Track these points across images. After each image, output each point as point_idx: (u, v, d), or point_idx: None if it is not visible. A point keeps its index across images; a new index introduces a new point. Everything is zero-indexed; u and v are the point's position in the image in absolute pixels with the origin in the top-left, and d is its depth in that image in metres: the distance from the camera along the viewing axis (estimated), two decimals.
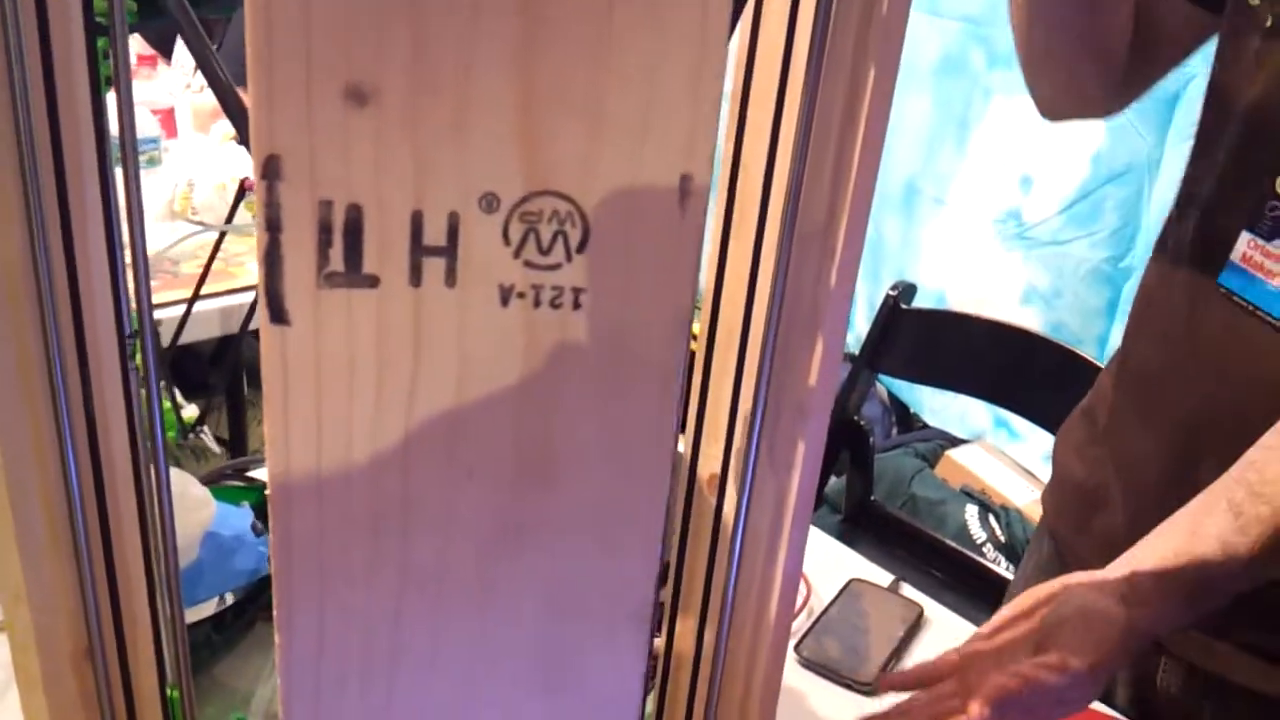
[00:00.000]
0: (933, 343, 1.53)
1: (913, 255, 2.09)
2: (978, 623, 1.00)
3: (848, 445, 1.61)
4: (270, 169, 0.26)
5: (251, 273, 1.52)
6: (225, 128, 1.85)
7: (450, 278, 0.29)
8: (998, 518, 1.73)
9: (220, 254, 1.37)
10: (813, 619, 0.96)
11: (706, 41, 0.27)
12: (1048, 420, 1.38)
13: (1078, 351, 1.39)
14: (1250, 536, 0.65)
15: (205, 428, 0.84)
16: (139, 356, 0.46)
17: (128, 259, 0.41)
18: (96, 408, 0.51)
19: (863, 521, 1.62)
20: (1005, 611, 0.71)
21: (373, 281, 0.28)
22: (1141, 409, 0.83)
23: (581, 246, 0.29)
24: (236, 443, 1.53)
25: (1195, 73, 1.04)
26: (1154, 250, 0.86)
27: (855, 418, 1.58)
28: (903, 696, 0.71)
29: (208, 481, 0.87)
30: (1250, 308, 0.73)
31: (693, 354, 0.73)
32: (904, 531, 1.57)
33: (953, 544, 1.55)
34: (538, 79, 0.27)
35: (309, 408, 0.30)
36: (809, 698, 0.88)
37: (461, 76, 0.27)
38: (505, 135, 0.28)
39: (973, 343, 1.49)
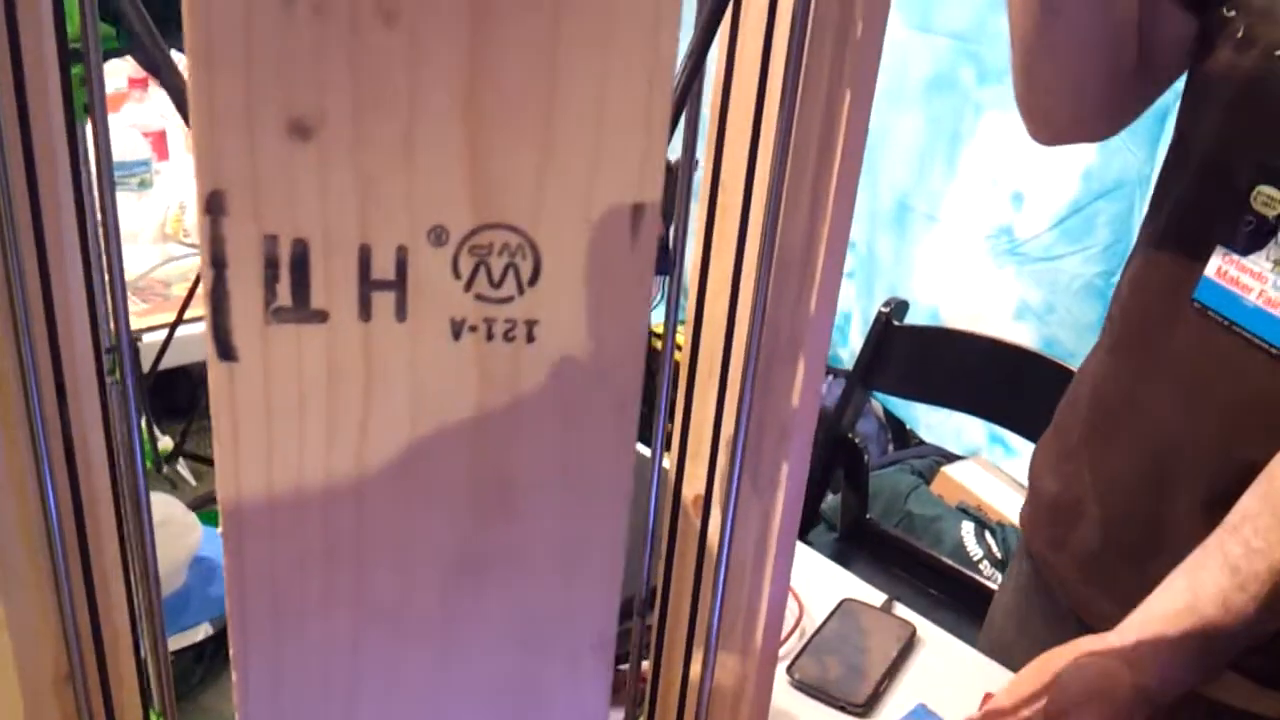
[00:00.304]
0: (925, 359, 1.52)
1: (906, 272, 2.09)
2: (971, 642, 0.99)
3: (842, 463, 1.60)
4: (213, 204, 0.26)
5: None
6: None
7: (400, 311, 0.29)
8: (994, 534, 1.73)
9: None
10: (805, 640, 0.95)
11: (656, 72, 0.27)
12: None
13: (1070, 367, 1.38)
14: (1249, 593, 0.65)
15: (181, 460, 0.83)
16: (118, 373, 0.45)
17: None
18: (75, 429, 0.50)
19: (858, 539, 1.61)
20: (1021, 677, 0.71)
21: (321, 316, 0.28)
22: (1114, 426, 0.83)
23: (533, 278, 0.29)
24: None
25: None
26: (1125, 265, 0.86)
27: (849, 435, 1.58)
28: None
29: (196, 506, 0.86)
30: (1226, 323, 0.72)
31: (676, 374, 0.73)
32: (899, 549, 1.57)
33: (948, 561, 1.54)
34: (484, 111, 0.27)
35: (259, 444, 0.30)
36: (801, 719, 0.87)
37: (406, 109, 0.27)
38: (452, 168, 0.27)
39: (965, 359, 1.49)
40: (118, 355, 0.44)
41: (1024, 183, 1.88)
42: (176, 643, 0.78)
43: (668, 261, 0.68)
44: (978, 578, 1.54)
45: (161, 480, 0.83)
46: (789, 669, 0.92)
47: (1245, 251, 0.72)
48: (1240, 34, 0.71)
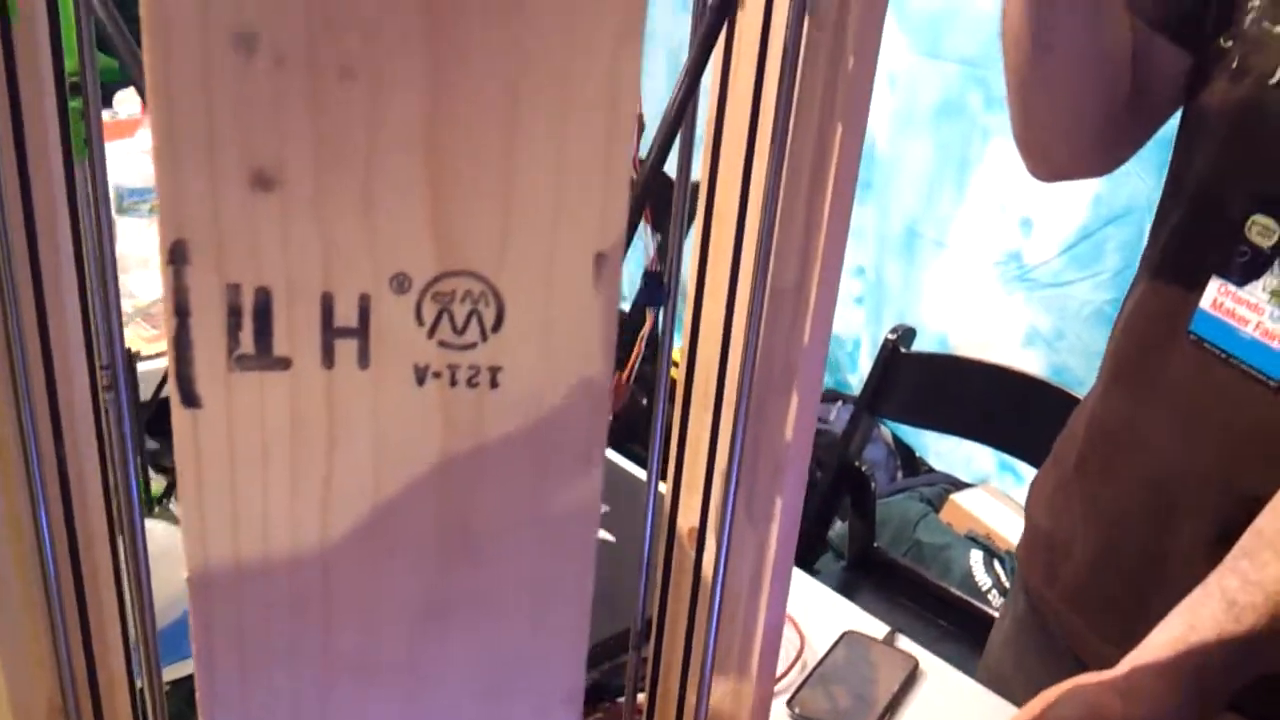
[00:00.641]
0: (933, 386, 1.52)
1: (915, 298, 2.08)
2: (974, 675, 0.98)
3: (849, 491, 1.59)
4: (176, 254, 0.26)
5: None
6: None
7: (363, 359, 0.29)
8: (1002, 563, 1.71)
9: None
10: (806, 672, 0.95)
11: (616, 119, 0.27)
12: None
13: (1078, 395, 1.37)
14: (1245, 625, 0.64)
15: (174, 499, 0.84)
16: (114, 399, 0.45)
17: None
18: (70, 464, 0.51)
19: (866, 568, 1.60)
20: (1017, 716, 0.71)
21: (284, 364, 0.28)
22: (1112, 459, 0.83)
23: (497, 325, 0.29)
24: None
25: None
26: (1126, 297, 0.86)
27: (856, 463, 1.57)
28: None
29: None
30: (1223, 355, 0.72)
31: (673, 406, 0.73)
32: (907, 578, 1.56)
33: (956, 591, 1.53)
34: (444, 161, 0.27)
35: (224, 491, 0.30)
36: None
37: (367, 159, 0.27)
38: (414, 216, 0.27)
39: (973, 386, 1.48)
40: (115, 388, 0.44)
41: (1033, 208, 1.88)
42: (178, 671, 0.77)
43: (662, 293, 0.68)
44: (985, 608, 1.52)
45: (164, 511, 0.84)
46: (790, 702, 0.91)
47: (1241, 282, 0.72)
48: (1235, 64, 0.71)
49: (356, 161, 0.27)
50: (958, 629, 1.47)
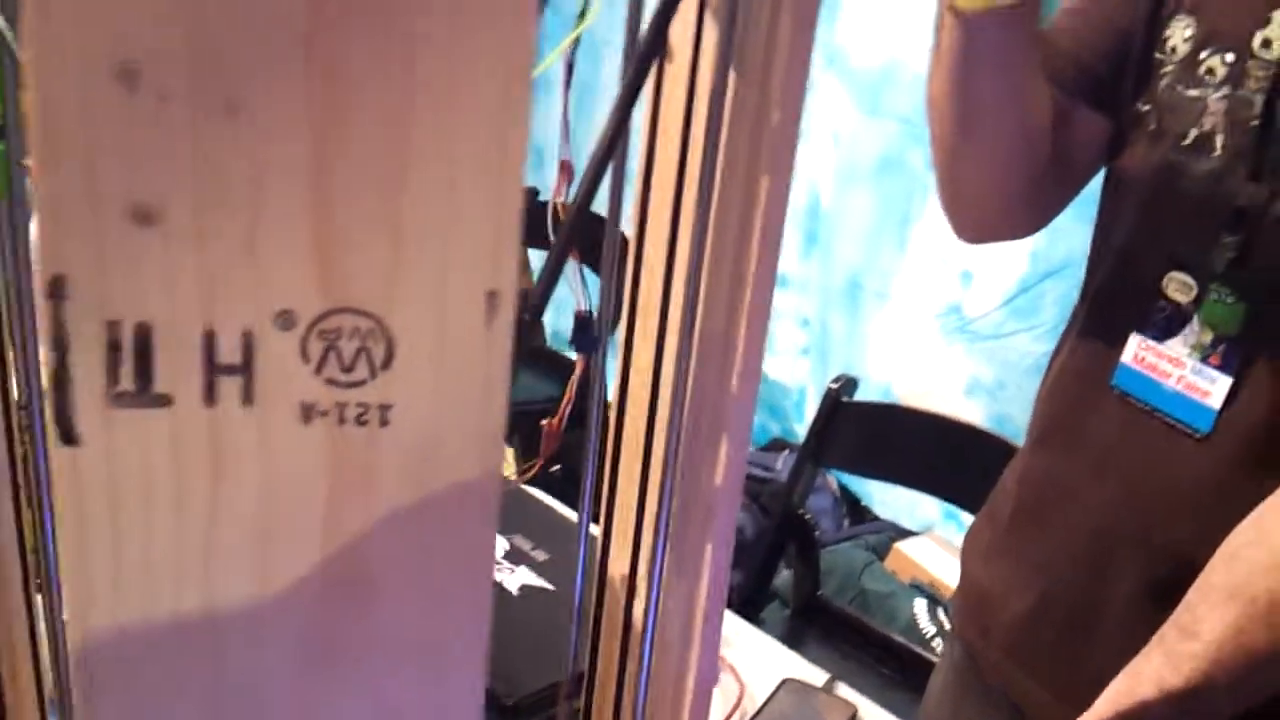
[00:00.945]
0: (875, 435, 1.53)
1: (859, 348, 2.11)
2: None
3: (793, 539, 1.59)
4: (55, 289, 0.26)
5: None
6: None
7: (247, 396, 0.28)
8: (946, 610, 1.72)
9: None
10: None
11: (505, 158, 0.28)
12: None
13: (1018, 444, 1.39)
14: (1182, 674, 0.65)
15: None
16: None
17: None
18: None
19: (810, 616, 1.60)
20: None
21: (165, 401, 0.28)
22: (1043, 514, 0.84)
23: (387, 363, 0.29)
24: None
25: None
26: (1052, 355, 0.88)
27: (800, 511, 1.58)
28: None
29: None
30: (1147, 409, 0.73)
31: (604, 452, 0.73)
32: (850, 626, 1.56)
33: (899, 638, 1.53)
34: (331, 196, 0.27)
35: (104, 530, 0.29)
36: None
37: (251, 195, 0.27)
38: (299, 252, 0.27)
39: (914, 435, 1.50)
40: (31, 427, 0.44)
41: (973, 262, 1.92)
42: None
43: (591, 339, 0.68)
44: (929, 655, 1.52)
45: None
46: None
47: (1161, 338, 0.74)
48: (1153, 127, 0.74)
49: (240, 197, 0.26)
50: (901, 676, 1.47)
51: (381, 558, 0.31)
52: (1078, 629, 0.80)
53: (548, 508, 1.17)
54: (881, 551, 1.88)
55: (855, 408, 1.51)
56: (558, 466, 0.73)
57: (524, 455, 1.60)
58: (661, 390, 0.66)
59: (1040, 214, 0.87)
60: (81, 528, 0.29)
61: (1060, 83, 0.79)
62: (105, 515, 0.29)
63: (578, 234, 0.58)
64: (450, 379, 0.29)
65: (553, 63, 0.60)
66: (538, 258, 0.65)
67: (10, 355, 0.45)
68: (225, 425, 0.28)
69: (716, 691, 0.97)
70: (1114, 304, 0.78)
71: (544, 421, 0.68)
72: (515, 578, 1.03)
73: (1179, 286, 0.72)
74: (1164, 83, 0.73)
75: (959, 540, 1.98)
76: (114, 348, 0.27)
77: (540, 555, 1.06)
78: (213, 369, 0.28)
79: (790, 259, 2.21)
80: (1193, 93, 0.71)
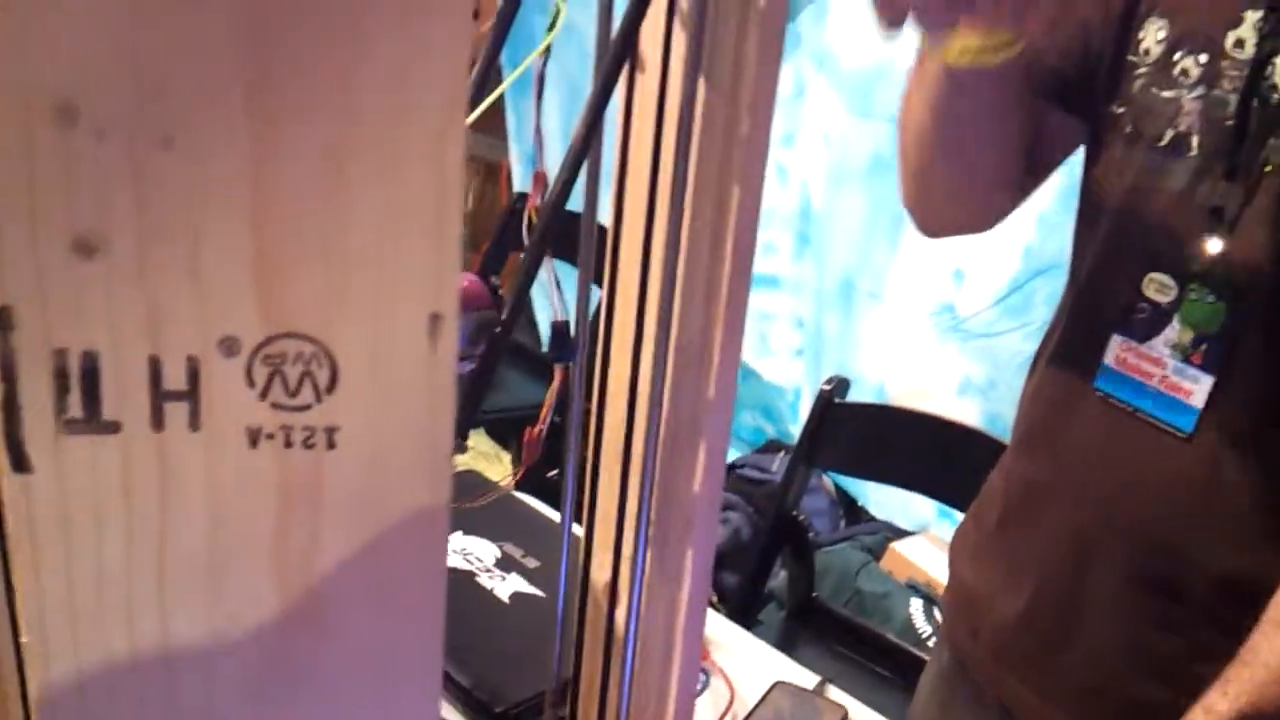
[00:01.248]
0: (868, 436, 1.53)
1: (853, 349, 2.11)
2: None
3: (788, 541, 1.60)
4: (3, 319, 0.27)
5: None
6: None
7: (194, 421, 0.29)
8: (942, 610, 1.72)
9: None
10: None
11: (443, 182, 0.28)
12: None
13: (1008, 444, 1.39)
14: (1229, 697, 0.65)
15: None
16: None
17: None
18: None
19: (805, 618, 1.60)
20: None
21: (114, 427, 0.28)
22: (1030, 517, 0.84)
23: (331, 386, 0.29)
24: None
25: None
26: (1035, 358, 0.88)
27: (794, 513, 1.58)
28: None
29: None
30: (1130, 410, 0.73)
31: (584, 461, 0.73)
32: (845, 627, 1.56)
33: (894, 639, 1.53)
34: (270, 224, 0.28)
35: (58, 554, 0.29)
36: None
37: (191, 226, 0.27)
38: (240, 281, 0.28)
39: (907, 436, 1.50)
40: None
41: (965, 261, 1.92)
42: None
43: (569, 350, 0.69)
44: (925, 655, 1.52)
45: None
46: None
47: (1143, 339, 0.74)
48: (1129, 129, 0.74)
49: (181, 226, 0.27)
50: (896, 676, 1.47)
51: (333, 578, 0.31)
52: (1064, 629, 0.80)
53: (538, 514, 1.17)
54: (877, 552, 1.88)
55: (848, 408, 1.51)
56: (555, 471, 0.73)
57: (519, 461, 1.61)
58: (639, 398, 0.67)
59: (1002, 211, 0.87)
60: (35, 552, 0.29)
61: (1030, 84, 0.79)
62: (58, 540, 0.29)
63: (551, 240, 0.59)
64: (396, 400, 0.30)
65: (527, 69, 0.61)
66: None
67: None
68: (173, 450, 0.29)
69: (707, 695, 0.98)
70: (1095, 306, 0.78)
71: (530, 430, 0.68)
72: (506, 585, 1.03)
73: (1158, 287, 0.72)
74: (1138, 85, 0.73)
75: None
76: (61, 376, 0.27)
77: (531, 563, 1.07)
78: (159, 395, 0.28)
79: (783, 260, 2.21)
80: (1167, 94, 0.71)
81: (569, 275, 0.66)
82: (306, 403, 0.29)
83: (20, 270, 0.26)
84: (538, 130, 0.67)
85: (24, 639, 0.30)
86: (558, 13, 0.58)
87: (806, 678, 1.04)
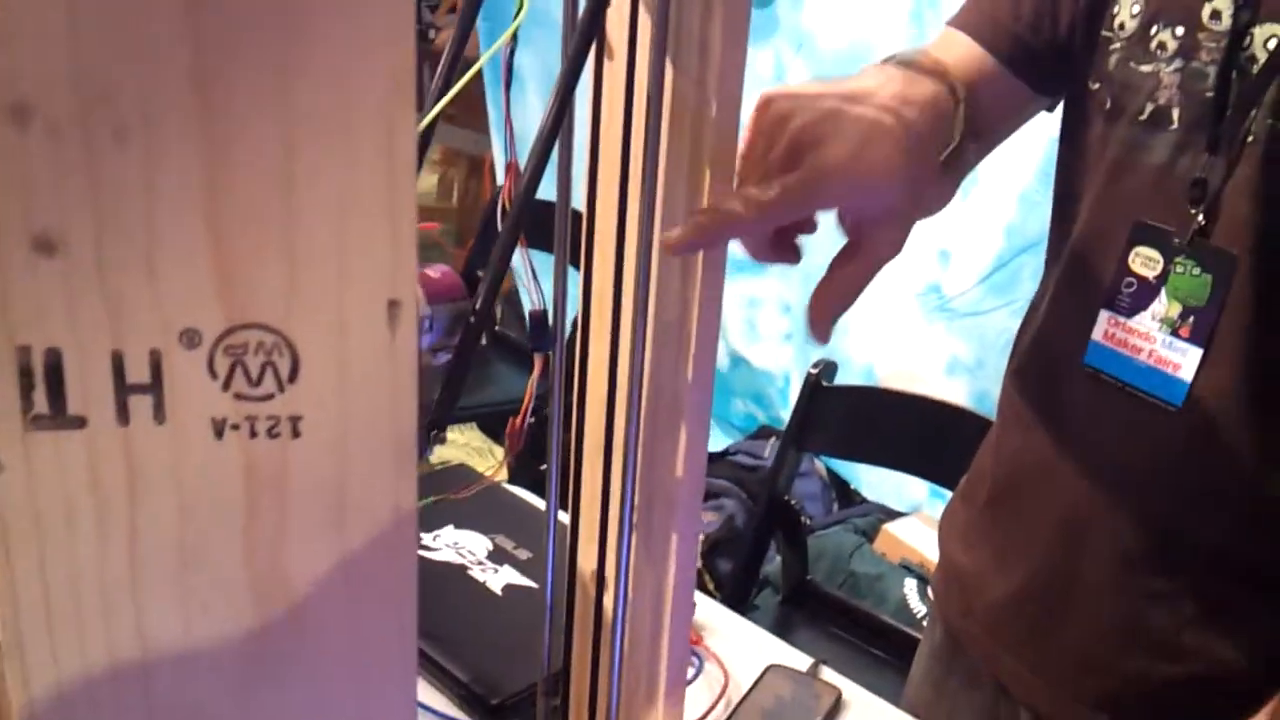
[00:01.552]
0: (857, 419, 1.54)
1: (840, 331, 2.11)
2: (898, 703, 0.99)
3: (780, 525, 1.60)
4: None
5: None
6: None
7: (159, 414, 0.29)
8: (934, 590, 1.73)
9: None
10: (730, 709, 0.95)
11: (395, 171, 0.28)
12: None
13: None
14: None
15: None
16: None
17: None
18: None
19: (800, 601, 1.61)
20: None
21: (80, 422, 0.29)
22: (1020, 495, 0.84)
23: (293, 375, 0.30)
24: None
25: None
26: (1017, 336, 0.88)
27: (786, 497, 1.59)
28: None
29: None
30: (1119, 385, 0.73)
31: (567, 447, 0.74)
32: (839, 609, 1.57)
33: (888, 620, 1.54)
34: (225, 216, 0.28)
35: (31, 551, 0.30)
36: None
37: (148, 218, 0.28)
38: (198, 272, 0.28)
39: (894, 417, 1.51)
40: None
41: (949, 241, 1.92)
42: None
43: (547, 339, 0.69)
44: (918, 635, 1.54)
45: None
46: None
47: (1130, 313, 0.74)
48: (1108, 105, 0.74)
49: (137, 222, 0.27)
50: (892, 657, 1.48)
51: (303, 568, 0.32)
52: (1057, 606, 0.80)
53: (530, 506, 1.18)
54: (870, 534, 1.89)
55: (835, 392, 1.52)
56: (546, 465, 0.74)
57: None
58: (618, 384, 0.67)
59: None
60: (7, 549, 0.29)
61: (991, 49, 0.79)
62: (30, 536, 0.29)
63: (529, 229, 0.59)
64: (358, 388, 0.30)
65: (492, 56, 0.61)
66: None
67: None
68: (140, 443, 0.29)
69: (701, 680, 0.98)
70: (1080, 282, 0.78)
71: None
72: (499, 577, 1.03)
73: (1144, 261, 0.72)
74: (1114, 60, 0.73)
75: None
76: (25, 373, 0.28)
77: (523, 554, 1.07)
78: (123, 389, 0.28)
79: None
80: (1145, 68, 0.71)
81: (550, 264, 0.67)
82: (269, 392, 0.30)
83: None
84: (508, 120, 0.68)
85: (6, 670, 0.31)
86: (522, 4, 0.58)
87: (801, 660, 1.04)
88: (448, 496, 0.88)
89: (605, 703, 0.73)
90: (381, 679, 0.33)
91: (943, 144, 0.66)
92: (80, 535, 0.30)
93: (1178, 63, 0.69)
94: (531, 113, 2.42)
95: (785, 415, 2.27)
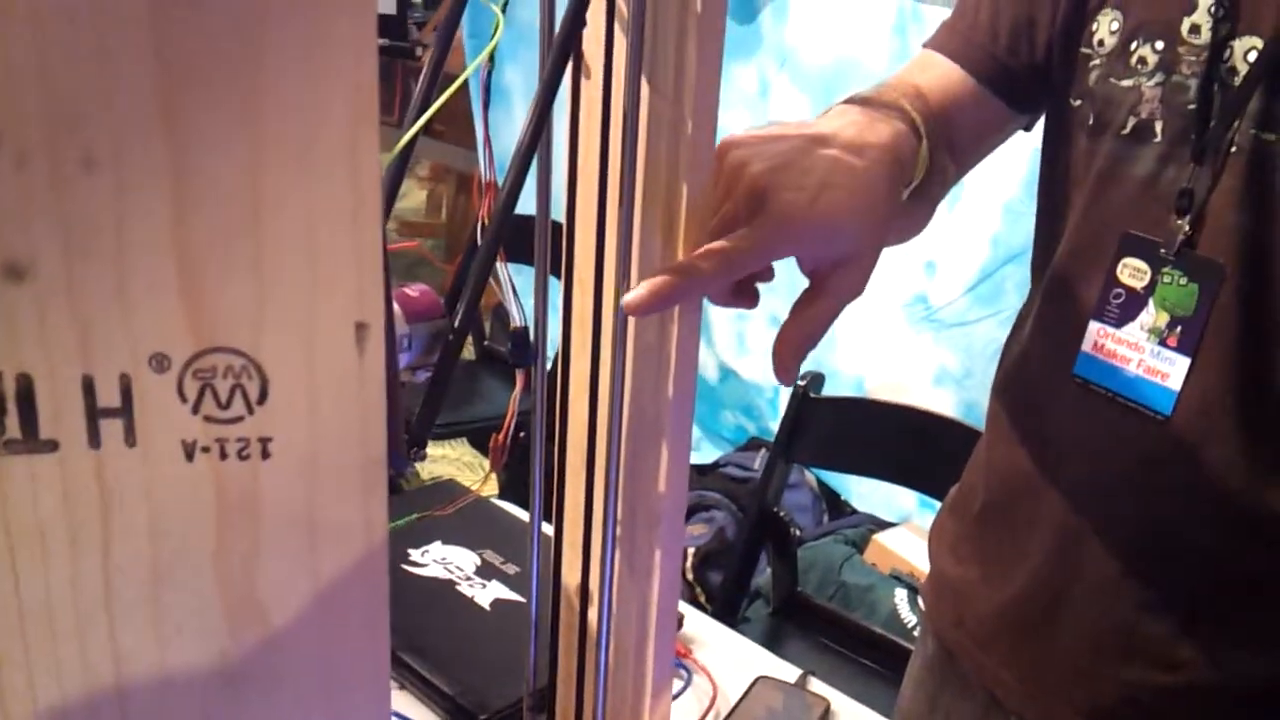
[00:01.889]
0: (845, 430, 1.55)
1: (829, 343, 2.13)
2: (887, 713, 1.00)
3: (770, 537, 1.61)
4: None
5: None
6: None
7: (129, 437, 0.30)
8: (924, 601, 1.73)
9: None
10: None
11: (360, 193, 0.29)
12: None
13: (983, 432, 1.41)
14: None
15: None
16: None
17: None
18: None
19: (790, 613, 1.61)
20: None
21: (52, 446, 0.29)
22: (1012, 508, 0.84)
23: (262, 398, 0.30)
24: None
25: None
26: (1005, 348, 0.88)
27: (775, 509, 1.59)
28: None
29: None
30: (1109, 395, 0.74)
31: (550, 464, 0.74)
32: (829, 621, 1.57)
33: (879, 630, 1.54)
34: (193, 241, 0.28)
35: (5, 575, 0.30)
36: None
37: (115, 246, 0.28)
38: (167, 298, 0.29)
39: (881, 428, 1.51)
40: None
41: (935, 251, 1.93)
42: None
43: (529, 355, 0.69)
44: (910, 645, 1.54)
45: None
46: None
47: (1118, 324, 0.74)
48: (1091, 121, 0.75)
49: (106, 248, 0.28)
50: (883, 668, 1.48)
51: (275, 588, 0.32)
52: (1050, 616, 0.80)
53: (518, 521, 1.18)
54: (860, 544, 1.90)
55: (823, 403, 1.52)
56: None
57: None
58: (600, 399, 0.68)
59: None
60: None
61: (970, 70, 0.80)
62: (4, 560, 0.30)
63: (512, 246, 0.60)
64: (327, 409, 0.31)
65: (473, 72, 0.62)
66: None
67: None
68: (111, 466, 0.30)
69: (690, 693, 0.98)
70: (1069, 295, 0.78)
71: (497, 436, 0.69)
72: (487, 592, 1.04)
73: (1132, 272, 0.73)
74: (1094, 76, 0.74)
75: None
76: None
77: (511, 569, 1.07)
78: (94, 413, 0.29)
79: None
80: (1126, 83, 0.72)
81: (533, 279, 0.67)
82: (239, 415, 0.30)
83: None
84: (486, 140, 0.68)
85: None
86: (499, 23, 0.59)
87: (789, 672, 1.04)
88: (432, 513, 0.88)
89: (591, 716, 0.74)
90: (354, 698, 0.33)
91: (904, 182, 0.67)
92: (54, 558, 0.30)
93: (1159, 76, 0.70)
94: (518, 128, 2.42)
95: (775, 427, 2.28)
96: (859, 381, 2.08)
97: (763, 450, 2.11)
